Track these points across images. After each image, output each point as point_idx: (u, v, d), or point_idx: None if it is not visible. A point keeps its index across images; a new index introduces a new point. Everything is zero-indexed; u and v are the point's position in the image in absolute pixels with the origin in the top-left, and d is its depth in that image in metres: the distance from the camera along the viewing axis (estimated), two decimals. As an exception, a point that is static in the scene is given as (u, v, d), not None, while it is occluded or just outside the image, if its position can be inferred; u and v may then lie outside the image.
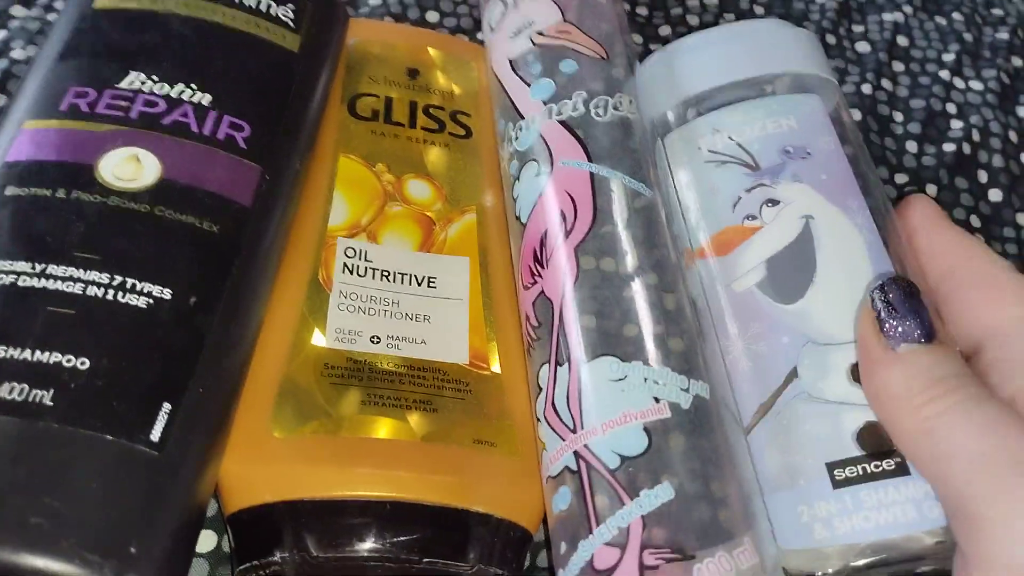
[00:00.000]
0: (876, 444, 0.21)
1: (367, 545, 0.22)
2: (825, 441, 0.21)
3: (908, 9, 0.41)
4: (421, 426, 0.24)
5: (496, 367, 0.26)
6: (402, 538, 0.22)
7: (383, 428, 0.23)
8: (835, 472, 0.20)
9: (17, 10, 0.32)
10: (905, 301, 0.21)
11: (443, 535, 0.22)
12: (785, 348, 0.22)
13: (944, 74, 0.39)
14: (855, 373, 0.22)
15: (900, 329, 0.20)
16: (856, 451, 0.21)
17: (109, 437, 0.19)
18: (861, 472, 0.20)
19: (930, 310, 0.21)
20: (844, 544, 0.20)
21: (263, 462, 0.22)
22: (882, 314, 0.21)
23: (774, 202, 0.24)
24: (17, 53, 0.31)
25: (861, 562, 0.20)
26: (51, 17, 0.32)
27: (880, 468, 0.20)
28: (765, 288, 0.23)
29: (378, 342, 0.25)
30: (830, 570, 0.20)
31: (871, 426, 0.21)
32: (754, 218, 0.24)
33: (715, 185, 0.25)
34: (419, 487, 0.22)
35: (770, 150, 0.25)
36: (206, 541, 0.23)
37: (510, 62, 0.29)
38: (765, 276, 0.23)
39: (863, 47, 0.39)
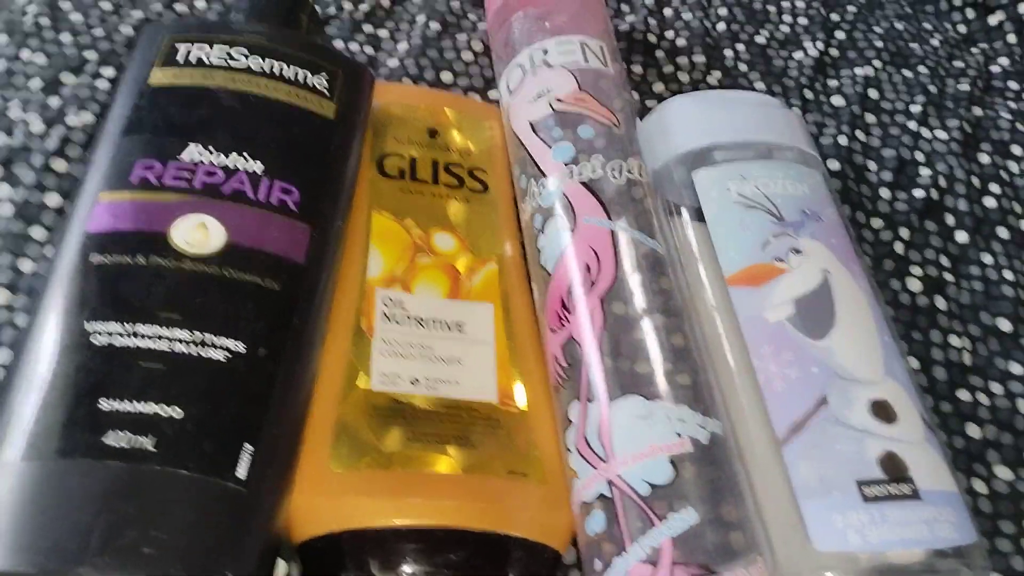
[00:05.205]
0: (895, 470, 0.24)
1: (420, 567, 0.24)
2: (854, 461, 0.24)
3: (878, 63, 0.45)
4: (461, 459, 0.26)
5: (523, 404, 0.28)
6: (450, 559, 0.24)
7: (427, 462, 0.26)
8: (864, 489, 0.23)
9: (67, 77, 0.34)
10: None
11: (485, 557, 0.25)
12: (815, 377, 0.25)
13: (912, 124, 0.42)
14: (874, 408, 0.25)
15: None
16: (880, 474, 0.24)
17: (203, 476, 0.21)
18: (886, 492, 0.23)
19: None
20: (875, 551, 0.23)
21: (327, 495, 0.25)
22: None
23: (798, 251, 0.27)
24: (71, 119, 0.33)
25: (904, 563, 0.23)
26: (99, 83, 0.35)
27: (900, 491, 0.23)
28: (795, 323, 0.26)
29: (417, 384, 0.28)
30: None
31: (890, 455, 0.24)
32: (782, 260, 0.27)
33: (746, 223, 0.28)
34: (463, 515, 0.25)
35: (791, 207, 0.28)
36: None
37: (531, 124, 0.32)
38: (794, 313, 0.26)
39: (838, 101, 0.43)
